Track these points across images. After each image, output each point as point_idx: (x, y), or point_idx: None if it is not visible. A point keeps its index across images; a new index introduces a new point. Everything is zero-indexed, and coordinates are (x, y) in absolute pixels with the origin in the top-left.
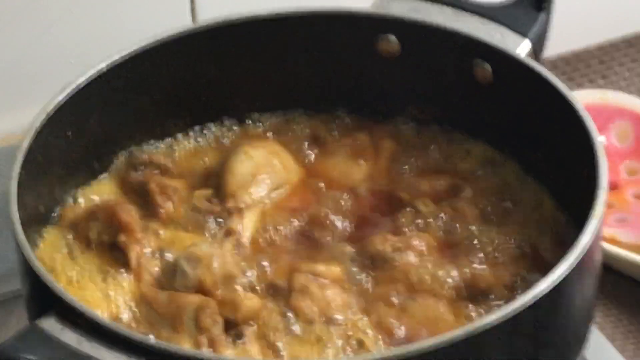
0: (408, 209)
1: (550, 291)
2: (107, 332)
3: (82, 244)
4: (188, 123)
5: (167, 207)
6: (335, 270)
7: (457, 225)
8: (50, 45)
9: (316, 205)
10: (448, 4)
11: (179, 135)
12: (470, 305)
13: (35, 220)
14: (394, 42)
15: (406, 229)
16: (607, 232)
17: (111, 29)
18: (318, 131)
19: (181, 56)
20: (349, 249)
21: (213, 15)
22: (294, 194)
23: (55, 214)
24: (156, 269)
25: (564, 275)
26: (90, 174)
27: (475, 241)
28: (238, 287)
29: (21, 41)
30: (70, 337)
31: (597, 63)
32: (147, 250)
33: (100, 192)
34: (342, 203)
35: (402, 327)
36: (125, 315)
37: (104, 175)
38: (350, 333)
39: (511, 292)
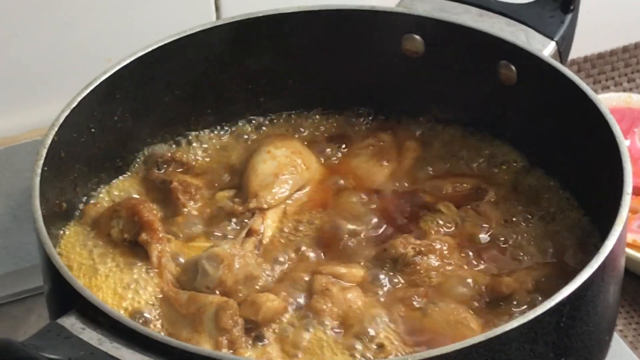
0: (431, 212)
1: (573, 297)
2: (128, 332)
3: (103, 242)
4: (211, 121)
5: (189, 205)
6: (357, 272)
7: (480, 228)
8: (74, 42)
9: (338, 206)
10: (474, 4)
11: (202, 133)
12: (492, 311)
13: (58, 216)
14: (418, 41)
15: (428, 232)
16: (631, 237)
17: (135, 26)
18: (341, 130)
19: (205, 53)
20: (371, 251)
21: (237, 12)
22: (316, 194)
23: (78, 211)
24: (177, 268)
25: (587, 282)
26: (112, 172)
27: (498, 245)
28: (259, 288)
29: (45, 37)
30: (91, 336)
31: (623, 66)
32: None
33: (122, 189)
34: (365, 204)
35: (423, 331)
36: (146, 314)
37: (127, 172)
38: (370, 336)
39: (534, 298)
